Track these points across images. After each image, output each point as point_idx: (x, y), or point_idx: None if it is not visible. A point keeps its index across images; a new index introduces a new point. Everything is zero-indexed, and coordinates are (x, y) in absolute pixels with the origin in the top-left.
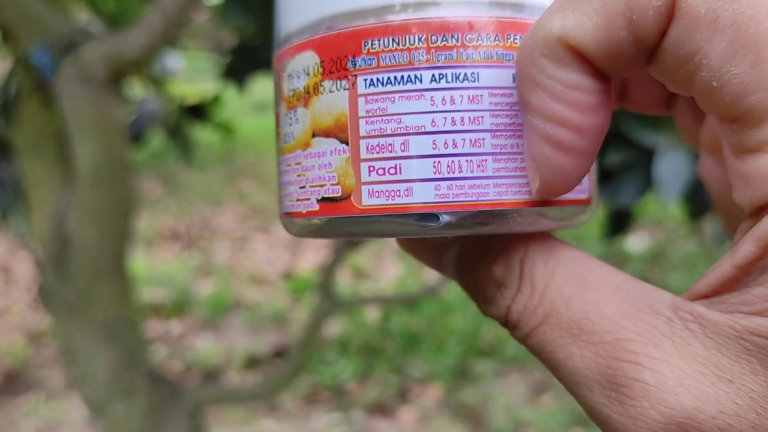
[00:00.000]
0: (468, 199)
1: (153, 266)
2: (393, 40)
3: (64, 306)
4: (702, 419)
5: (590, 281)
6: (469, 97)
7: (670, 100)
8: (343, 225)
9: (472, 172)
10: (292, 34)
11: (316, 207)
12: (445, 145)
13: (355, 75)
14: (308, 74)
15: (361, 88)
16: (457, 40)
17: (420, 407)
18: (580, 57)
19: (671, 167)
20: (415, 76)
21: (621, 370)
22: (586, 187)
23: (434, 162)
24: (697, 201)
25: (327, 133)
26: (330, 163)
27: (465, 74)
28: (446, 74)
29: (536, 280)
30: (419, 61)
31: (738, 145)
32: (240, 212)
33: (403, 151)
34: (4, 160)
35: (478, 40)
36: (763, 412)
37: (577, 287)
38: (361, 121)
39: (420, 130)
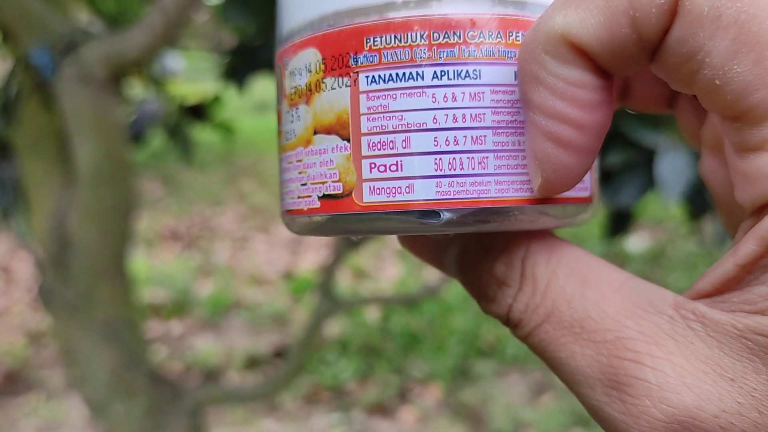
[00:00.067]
0: (469, 196)
1: (153, 266)
2: (395, 36)
3: (65, 306)
4: (704, 418)
5: (592, 280)
6: (470, 94)
7: (672, 98)
8: (345, 222)
9: (473, 169)
10: (294, 31)
11: (318, 204)
12: (447, 142)
13: (357, 72)
14: (310, 71)
15: (362, 84)
16: (459, 37)
17: (420, 407)
18: (583, 54)
19: (672, 167)
20: (417, 73)
21: (623, 368)
22: (588, 185)
23: (435, 159)
24: (698, 201)
25: (328, 130)
26: (331, 160)
27: (467, 71)
28: (448, 71)
29: (538, 278)
30: (421, 58)
31: (740, 144)
32: (240, 212)
33: (404, 148)
34: (4, 161)
35: (480, 37)
36: (765, 410)
37: (579, 286)
38: (363, 118)
39: (421, 127)
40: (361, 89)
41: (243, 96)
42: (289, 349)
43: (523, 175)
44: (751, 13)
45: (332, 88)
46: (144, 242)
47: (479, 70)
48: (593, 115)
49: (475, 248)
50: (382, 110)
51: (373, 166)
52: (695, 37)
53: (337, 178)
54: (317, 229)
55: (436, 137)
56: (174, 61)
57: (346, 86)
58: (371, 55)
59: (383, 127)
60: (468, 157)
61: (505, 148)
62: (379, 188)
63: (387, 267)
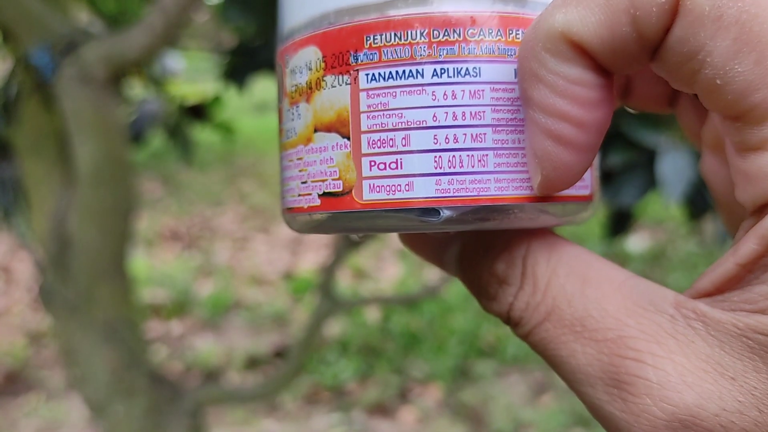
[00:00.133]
0: (469, 194)
1: (153, 266)
2: (395, 34)
3: (65, 306)
4: (704, 416)
5: (592, 278)
6: (470, 92)
7: (673, 97)
8: (344, 220)
9: (473, 167)
10: (294, 29)
11: (318, 202)
12: (446, 140)
13: (357, 70)
14: (311, 69)
15: (362, 82)
16: (459, 35)
17: (420, 407)
18: (583, 52)
19: (673, 167)
20: (417, 71)
21: (624, 367)
22: (588, 183)
23: (435, 157)
24: (698, 201)
25: (329, 128)
26: (331, 158)
27: (467, 69)
28: (448, 69)
29: (538, 277)
30: (421, 55)
31: (741, 143)
32: (240, 212)
33: (404, 145)
34: (4, 161)
35: (480, 34)
36: (765, 409)
37: (580, 284)
38: (363, 116)
39: (421, 125)
40: (361, 87)
41: (243, 96)
42: (289, 350)
43: (523, 172)
44: (752, 12)
45: (332, 86)
46: (144, 242)
47: (479, 68)
48: (593, 113)
49: (476, 246)
50: (382, 108)
51: (373, 163)
52: (696, 37)
53: (337, 176)
54: (317, 227)
55: (435, 135)
56: (174, 61)
57: (347, 84)
58: (371, 53)
59: (383, 125)
60: (468, 155)
61: (504, 146)
62: (378, 186)
63: (387, 267)
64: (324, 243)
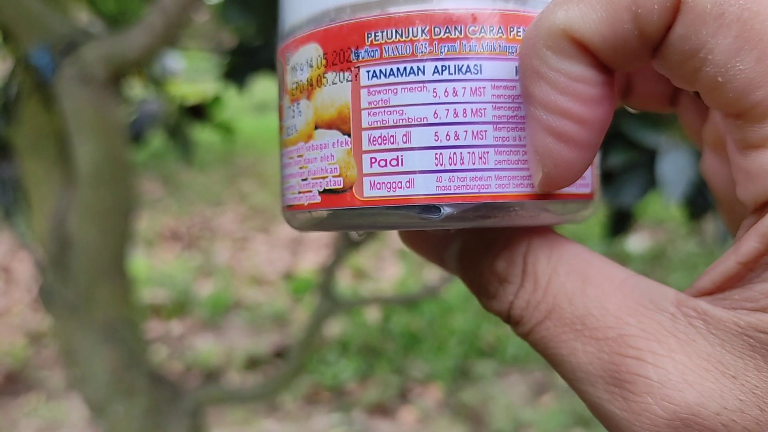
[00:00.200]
0: (470, 191)
1: (153, 266)
2: (396, 31)
3: (65, 306)
4: (705, 415)
5: (593, 277)
6: (471, 89)
7: (674, 96)
8: (345, 217)
9: (473, 164)
10: (295, 27)
11: (318, 199)
12: (447, 137)
13: (358, 66)
14: (311, 66)
15: (363, 79)
16: (460, 32)
17: (420, 408)
18: (584, 49)
19: (674, 167)
20: (418, 68)
21: (624, 365)
22: (589, 181)
23: (436, 154)
24: (699, 201)
25: (329, 125)
26: (332, 155)
27: (468, 66)
28: (449, 66)
29: (539, 275)
30: (422, 52)
31: (742, 141)
32: (240, 212)
33: (405, 142)
34: (4, 161)
35: (481, 32)
36: (766, 408)
37: (580, 283)
38: (364, 113)
39: (422, 122)
40: (362, 84)
41: (243, 96)
42: (290, 350)
43: (524, 170)
44: (754, 10)
45: (333, 83)
46: (144, 242)
47: (480, 65)
48: (594, 110)
49: (476, 244)
50: (383, 105)
51: (373, 160)
52: (698, 35)
53: (337, 173)
54: (317, 225)
55: (436, 132)
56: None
57: (348, 81)
58: (372, 50)
59: (384, 122)
60: (469, 152)
61: (505, 143)
62: (379, 183)
63: (387, 267)
64: (324, 243)
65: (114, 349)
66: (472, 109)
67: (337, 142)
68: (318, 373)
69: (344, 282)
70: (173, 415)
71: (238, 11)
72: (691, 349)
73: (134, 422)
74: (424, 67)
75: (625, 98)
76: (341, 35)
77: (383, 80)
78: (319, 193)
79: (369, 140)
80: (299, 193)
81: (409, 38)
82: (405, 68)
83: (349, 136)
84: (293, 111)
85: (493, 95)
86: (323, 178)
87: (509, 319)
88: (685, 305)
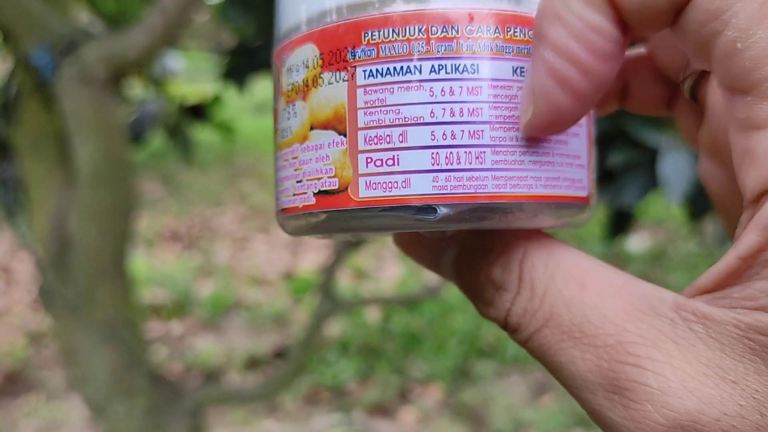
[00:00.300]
0: (466, 191)
1: (153, 267)
2: (393, 31)
3: (65, 306)
4: (706, 422)
5: (591, 283)
6: (468, 88)
7: (671, 100)
8: (339, 220)
9: (470, 164)
10: (292, 28)
11: (313, 200)
12: (444, 137)
13: (355, 66)
14: (308, 67)
15: (360, 79)
16: (457, 32)
17: (420, 408)
18: (610, 1)
19: (675, 167)
20: (415, 67)
21: (624, 373)
22: (586, 185)
23: (432, 153)
24: (699, 201)
25: (325, 125)
26: (327, 156)
27: (464, 65)
28: (446, 65)
29: (536, 283)
30: (419, 52)
31: (747, 120)
32: (240, 213)
33: (401, 142)
34: (5, 161)
35: (478, 31)
36: (767, 412)
37: (578, 290)
38: (360, 113)
39: (418, 121)
40: (358, 83)
41: (243, 96)
42: (290, 350)
43: (521, 170)
44: None
45: (329, 83)
46: (144, 242)
47: (477, 65)
48: (602, 65)
49: (472, 251)
50: (379, 104)
51: (369, 160)
52: None
53: (333, 174)
54: (312, 229)
55: (433, 131)
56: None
57: (344, 81)
58: (369, 50)
59: (380, 122)
60: (465, 152)
61: (502, 143)
62: (375, 183)
63: (387, 267)
64: (324, 243)
65: (114, 349)
66: (468, 109)
67: (333, 142)
68: (318, 373)
69: (344, 282)
70: (173, 415)
71: (238, 11)
72: (690, 354)
73: (134, 422)
74: (420, 66)
75: (623, 102)
76: (337, 35)
77: (379, 79)
78: (314, 194)
79: (365, 140)
80: (294, 195)
81: (405, 38)
82: (401, 67)
83: (345, 136)
84: (288, 113)
85: (490, 95)
86: (318, 179)
87: (506, 326)
88: (683, 309)
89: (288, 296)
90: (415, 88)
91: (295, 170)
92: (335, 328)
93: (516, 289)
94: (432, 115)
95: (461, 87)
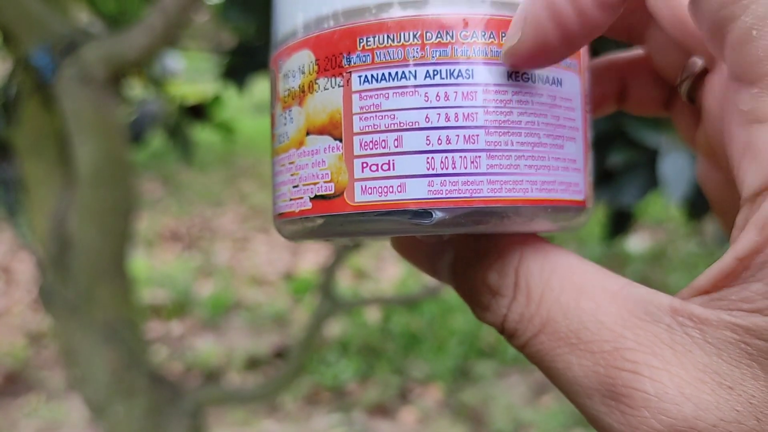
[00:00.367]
0: (462, 195)
1: (153, 267)
2: (388, 36)
3: (65, 307)
4: (703, 428)
5: (587, 289)
6: (463, 93)
7: (669, 101)
8: (335, 224)
9: (465, 168)
10: (288, 34)
11: (309, 205)
12: (439, 141)
13: (350, 72)
14: (303, 73)
15: (355, 84)
16: (452, 37)
17: (421, 408)
18: None
19: (675, 167)
20: (410, 72)
21: (621, 379)
22: (582, 188)
23: (428, 158)
24: (699, 201)
25: (321, 131)
26: (323, 161)
27: (459, 70)
28: (440, 70)
29: (532, 288)
30: (414, 57)
31: (751, 113)
32: (240, 213)
33: (396, 147)
34: (5, 161)
35: (472, 37)
36: (763, 418)
37: (574, 296)
38: (355, 118)
39: (414, 126)
40: (353, 89)
41: (243, 96)
42: (290, 350)
43: (516, 174)
44: None
45: (325, 89)
46: (144, 243)
47: (472, 70)
48: (598, 12)
49: (469, 255)
50: (375, 110)
51: (365, 165)
52: None
53: (329, 179)
54: (309, 233)
55: (428, 136)
56: (174, 62)
57: (339, 86)
58: (364, 55)
59: (375, 127)
60: (460, 156)
61: (497, 147)
62: (370, 188)
63: (387, 267)
64: (323, 244)
65: (114, 349)
66: (463, 114)
67: (329, 147)
68: (318, 373)
69: (344, 282)
70: (173, 416)
71: (238, 11)
72: (687, 360)
73: (134, 423)
74: (415, 71)
75: (621, 103)
76: (333, 41)
77: (375, 85)
78: (311, 199)
79: (360, 145)
80: (290, 200)
81: (400, 43)
82: (396, 73)
83: (341, 141)
84: (285, 118)
85: (485, 99)
86: (314, 184)
87: (503, 331)
88: (680, 314)
89: (288, 296)
90: (410, 93)
91: (292, 175)
92: (335, 328)
93: (512, 295)
94: (427, 120)
95: (456, 92)
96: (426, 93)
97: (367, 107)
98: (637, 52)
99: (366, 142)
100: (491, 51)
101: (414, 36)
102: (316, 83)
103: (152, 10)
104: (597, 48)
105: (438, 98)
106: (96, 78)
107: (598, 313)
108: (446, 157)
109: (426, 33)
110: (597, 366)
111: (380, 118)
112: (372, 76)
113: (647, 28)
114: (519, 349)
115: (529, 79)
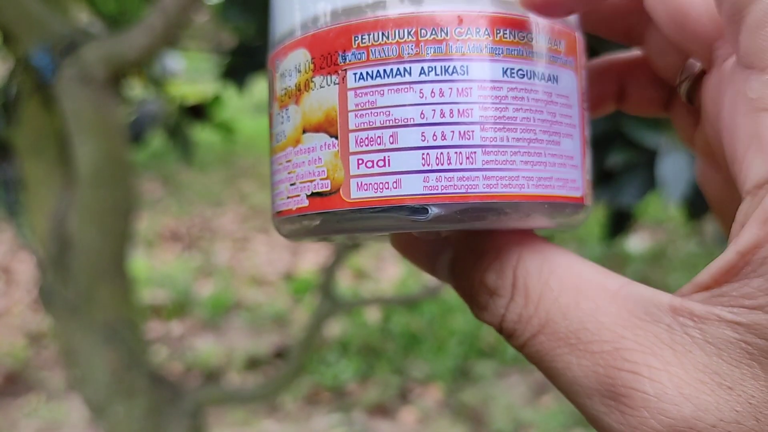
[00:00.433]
0: (457, 191)
1: (153, 267)
2: (383, 34)
3: (65, 307)
4: (702, 428)
5: (586, 289)
6: (458, 89)
7: (668, 102)
8: (332, 221)
9: (461, 164)
10: (285, 34)
11: (306, 203)
12: (434, 137)
13: (345, 69)
14: (300, 71)
15: (350, 81)
16: (447, 34)
17: (421, 408)
18: None
19: (674, 167)
20: (405, 69)
21: (620, 379)
22: (580, 185)
23: (423, 154)
24: (698, 201)
25: (317, 128)
26: (319, 158)
27: (454, 67)
28: (435, 67)
29: (530, 289)
30: (408, 54)
31: (759, 101)
32: (240, 213)
33: (391, 143)
34: (5, 161)
35: (467, 33)
36: (762, 418)
37: (574, 296)
38: (351, 115)
39: (409, 123)
40: (349, 86)
41: (243, 96)
42: (290, 350)
43: (512, 170)
44: None
45: (321, 87)
46: (144, 243)
47: (467, 66)
48: None
49: (467, 255)
50: (370, 106)
51: (360, 162)
52: None
53: (325, 176)
54: (306, 231)
55: (423, 132)
56: (174, 62)
57: (335, 84)
58: (359, 53)
59: (371, 123)
60: (456, 152)
61: (492, 143)
62: (366, 184)
63: (387, 267)
64: (323, 244)
65: (114, 349)
66: (458, 110)
67: (325, 144)
68: (318, 373)
69: (344, 282)
70: (173, 416)
71: (238, 11)
72: (687, 360)
73: (134, 423)
74: (410, 68)
75: (620, 103)
76: (328, 39)
77: (370, 82)
78: (307, 196)
79: (356, 142)
80: (288, 198)
81: (395, 40)
82: (391, 70)
83: (337, 138)
84: (282, 117)
85: (480, 96)
86: (311, 181)
87: (502, 331)
88: (680, 313)
89: (288, 297)
90: (405, 90)
91: (289, 173)
92: (335, 328)
93: (510, 296)
94: (422, 116)
95: (451, 88)
96: (421, 89)
97: (362, 104)
98: (636, 52)
99: (361, 138)
100: (486, 47)
101: (409, 33)
102: (312, 81)
103: (152, 10)
104: (596, 48)
105: (433, 95)
106: (96, 78)
107: (598, 314)
108: (441, 153)
109: (421, 30)
110: (597, 366)
111: (375, 114)
112: (367, 73)
113: (646, 29)
114: (518, 349)
115: (524, 75)
